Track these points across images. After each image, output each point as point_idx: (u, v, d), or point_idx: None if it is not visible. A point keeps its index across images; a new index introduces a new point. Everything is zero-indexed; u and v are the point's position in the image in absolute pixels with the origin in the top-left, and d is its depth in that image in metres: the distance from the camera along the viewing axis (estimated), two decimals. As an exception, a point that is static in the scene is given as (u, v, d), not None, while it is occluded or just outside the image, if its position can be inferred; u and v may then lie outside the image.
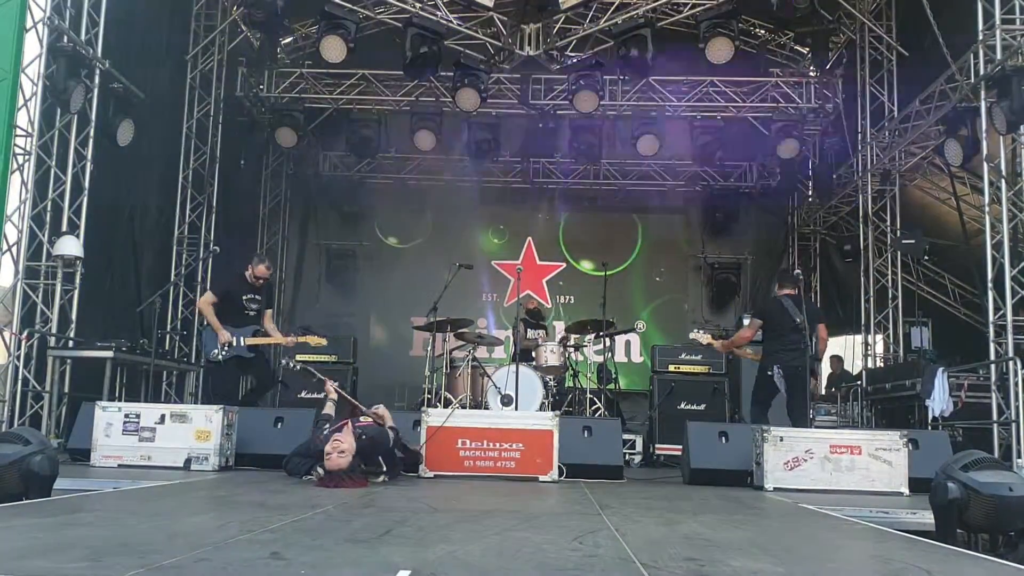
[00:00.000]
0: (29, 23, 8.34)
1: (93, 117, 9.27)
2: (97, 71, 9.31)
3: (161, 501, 4.94)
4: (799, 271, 9.88)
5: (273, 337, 8.71)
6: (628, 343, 14.72)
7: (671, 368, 10.30)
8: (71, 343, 8.92)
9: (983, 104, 9.00)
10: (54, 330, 8.77)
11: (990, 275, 8.89)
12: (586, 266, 15.01)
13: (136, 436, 6.92)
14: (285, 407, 9.02)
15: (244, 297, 8.48)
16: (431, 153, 13.89)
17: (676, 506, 5.45)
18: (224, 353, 8.26)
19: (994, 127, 8.80)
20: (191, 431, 6.89)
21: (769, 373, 8.10)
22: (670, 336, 14.55)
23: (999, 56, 8.79)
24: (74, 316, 8.98)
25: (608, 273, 10.36)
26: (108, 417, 6.95)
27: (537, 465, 6.79)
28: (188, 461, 6.82)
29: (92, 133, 9.27)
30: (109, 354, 8.81)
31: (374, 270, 15.13)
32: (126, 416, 6.95)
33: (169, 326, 11.76)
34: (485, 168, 14.75)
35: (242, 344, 8.33)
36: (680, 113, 13.30)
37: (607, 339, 10.72)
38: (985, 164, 9.14)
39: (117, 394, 9.34)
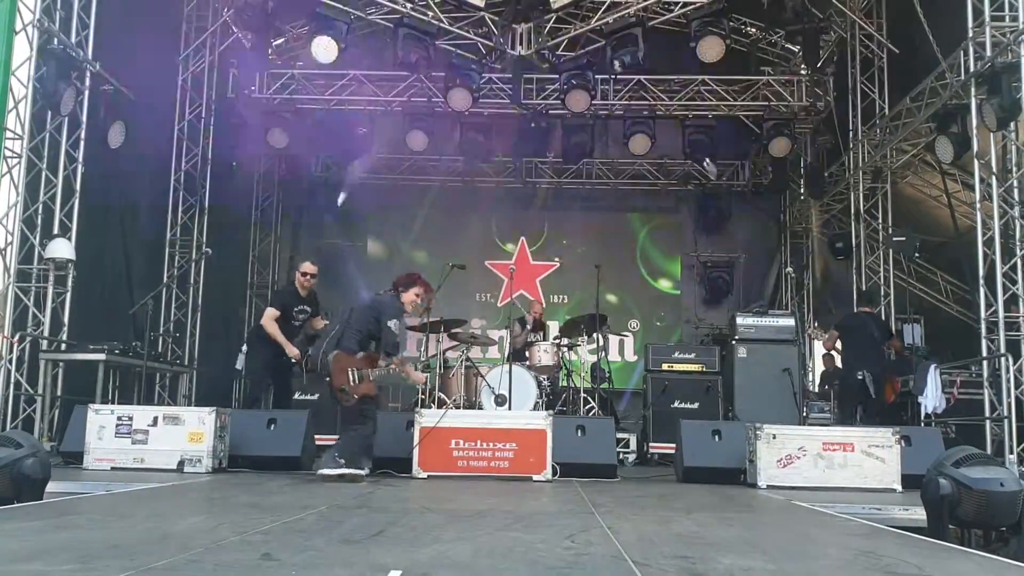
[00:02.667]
0: (19, 25, 8.29)
1: (84, 119, 9.24)
2: (88, 73, 9.27)
3: (153, 503, 4.94)
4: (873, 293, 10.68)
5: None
6: (622, 342, 14.71)
7: (664, 367, 10.31)
8: (63, 346, 8.89)
9: (973, 101, 9.01)
10: (46, 333, 8.74)
11: (982, 271, 8.91)
12: (579, 265, 14.98)
13: (129, 439, 6.92)
14: (279, 408, 9.00)
15: (295, 308, 8.65)
16: (423, 153, 13.91)
17: (669, 504, 5.46)
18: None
19: (984, 124, 8.82)
20: (184, 433, 6.90)
21: (860, 377, 9.49)
22: (663, 335, 14.58)
23: (989, 53, 8.81)
24: (66, 319, 8.94)
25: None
26: (101, 420, 6.95)
27: (531, 464, 6.81)
28: (181, 463, 6.83)
29: (83, 135, 9.24)
30: (101, 357, 8.79)
31: (366, 270, 15.09)
32: (119, 419, 6.95)
33: (162, 328, 11.72)
34: (477, 168, 14.76)
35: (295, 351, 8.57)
36: (672, 112, 13.30)
37: (600, 338, 10.72)
38: (976, 161, 9.17)
39: (110, 397, 9.31)
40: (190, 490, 5.71)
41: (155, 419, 6.97)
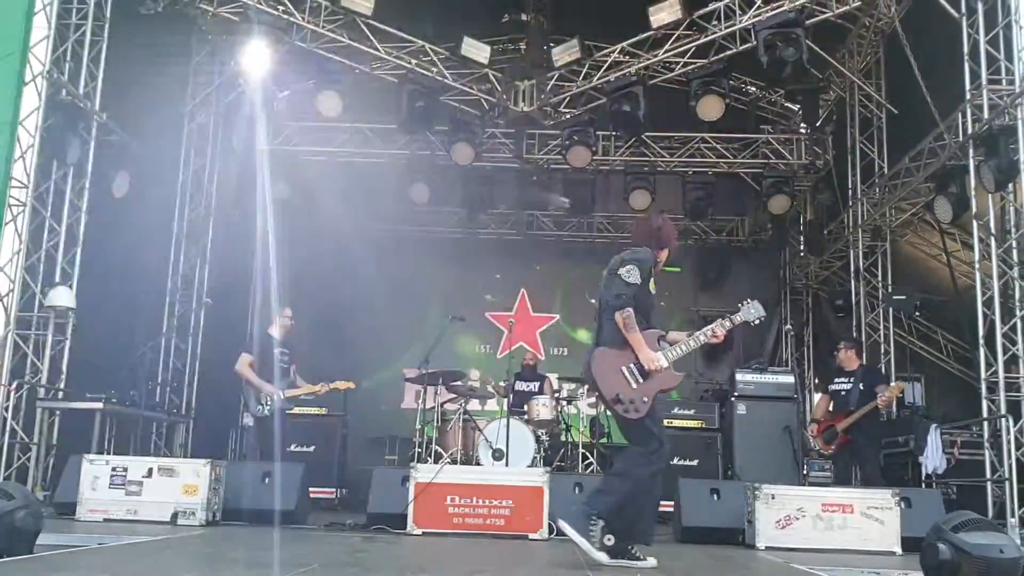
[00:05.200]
0: (28, 76, 8.44)
1: (89, 169, 9.34)
2: (95, 124, 9.40)
3: (145, 559, 4.88)
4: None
5: (305, 387, 8.85)
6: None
7: (664, 423, 10.22)
8: (60, 394, 8.87)
9: (971, 162, 9.09)
10: (44, 381, 8.72)
11: (981, 332, 8.92)
12: (579, 318, 14.96)
13: (123, 490, 6.88)
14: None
15: (276, 351, 8.65)
16: (425, 205, 14.02)
17: (667, 566, 5.39)
18: (269, 407, 8.46)
19: (982, 185, 8.89)
20: (178, 485, 6.85)
21: None
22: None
23: (986, 115, 8.91)
24: (64, 367, 8.94)
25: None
26: (95, 470, 6.91)
27: (527, 523, 6.73)
28: (175, 516, 6.77)
29: (88, 185, 9.33)
30: (99, 405, 8.75)
31: (367, 321, 15.10)
32: (113, 469, 6.92)
33: (160, 377, 11.70)
34: (479, 220, 14.85)
35: (282, 397, 8.52)
36: (672, 168, 13.43)
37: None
38: (975, 222, 9.22)
39: (106, 446, 9.26)
40: (183, 544, 5.65)
41: (150, 470, 6.93)
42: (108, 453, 8.82)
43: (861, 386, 8.78)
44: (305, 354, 9.42)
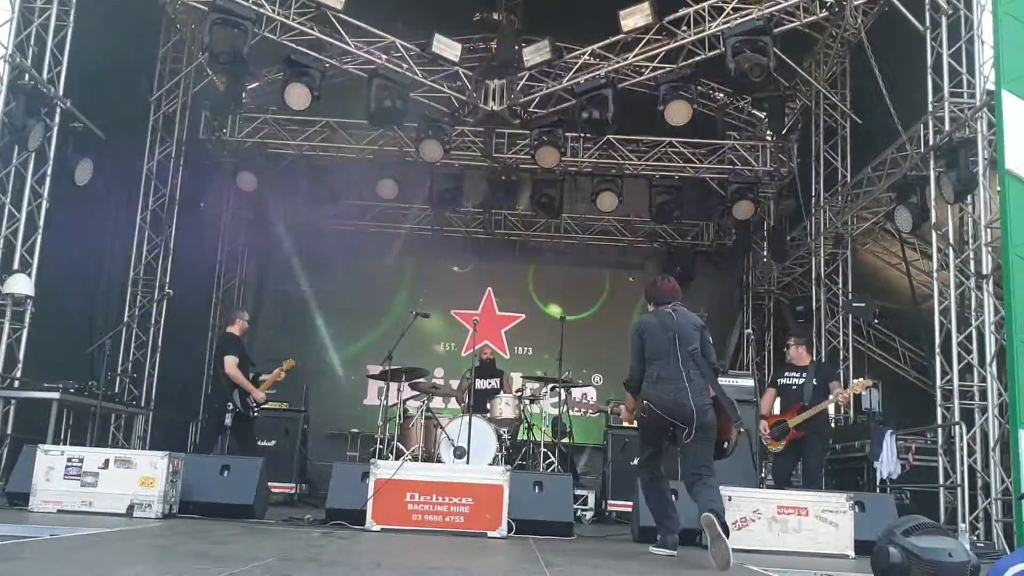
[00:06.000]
0: (-10, 60, 8.31)
1: (51, 155, 9.20)
2: (58, 109, 9.26)
3: (99, 550, 4.83)
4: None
5: (269, 378, 9.28)
6: (585, 395, 14.71)
7: (625, 423, 10.30)
8: (16, 383, 8.73)
9: (932, 173, 9.25)
10: (0, 369, 8.58)
11: (938, 340, 9.08)
12: (544, 317, 15.00)
13: (78, 481, 6.78)
14: (233, 455, 8.89)
15: (246, 352, 9.12)
16: (393, 201, 14.00)
17: (624, 565, 5.44)
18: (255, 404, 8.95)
19: (942, 196, 9.04)
20: (135, 477, 6.77)
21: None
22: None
23: (947, 127, 9.07)
24: (21, 356, 8.80)
25: (571, 318, 10.45)
26: (50, 461, 6.81)
27: (486, 520, 6.74)
28: (131, 508, 6.69)
29: (49, 171, 9.19)
30: (55, 395, 8.61)
31: (330, 317, 15.05)
32: (68, 460, 6.82)
33: (120, 368, 11.55)
34: (446, 218, 14.85)
35: (264, 400, 9.10)
36: (639, 172, 13.53)
37: (563, 391, 10.72)
38: (934, 232, 9.38)
39: (63, 437, 9.13)
40: (138, 536, 5.59)
41: (106, 462, 6.84)
42: (64, 444, 8.70)
43: (815, 381, 8.63)
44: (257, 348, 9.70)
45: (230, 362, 8.82)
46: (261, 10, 10.59)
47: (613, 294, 15.58)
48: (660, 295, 6.36)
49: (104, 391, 9.26)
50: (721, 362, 12.54)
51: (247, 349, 9.26)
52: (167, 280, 12.27)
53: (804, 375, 8.74)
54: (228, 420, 8.68)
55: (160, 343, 12.25)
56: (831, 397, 8.59)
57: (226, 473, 7.41)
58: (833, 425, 12.53)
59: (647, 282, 6.65)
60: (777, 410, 9.06)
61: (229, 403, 8.75)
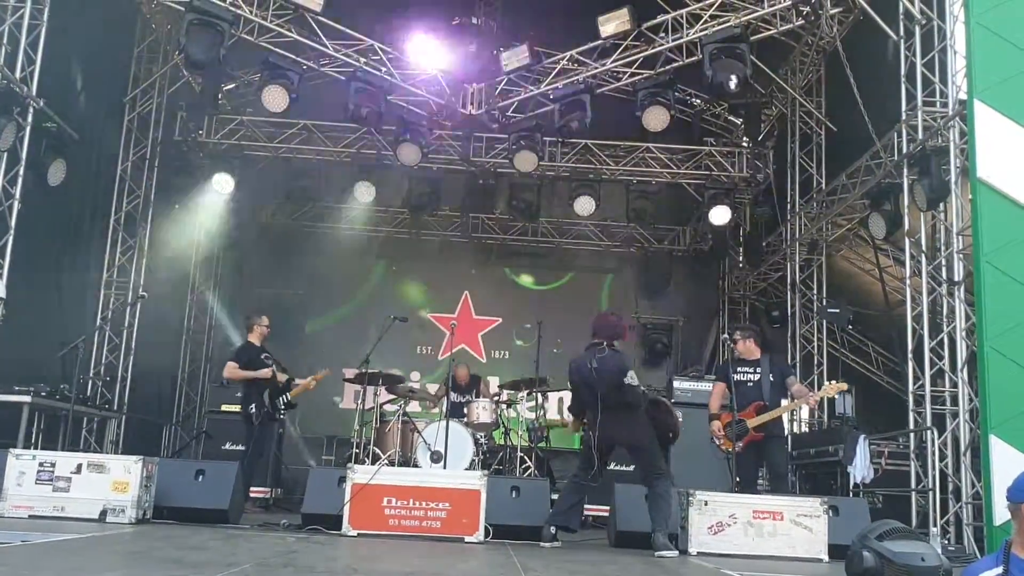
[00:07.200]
0: (-38, 59, 8.20)
1: (24, 155, 9.08)
2: (31, 109, 9.15)
3: (71, 556, 4.78)
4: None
5: (301, 384, 9.38)
6: (561, 400, 14.72)
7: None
8: (-15, 386, 8.62)
9: (905, 181, 9.34)
10: (-31, 372, 8.48)
11: (910, 346, 9.18)
12: (521, 321, 15.00)
13: (50, 486, 6.70)
14: (208, 459, 8.82)
15: (262, 356, 8.95)
16: (370, 204, 13.96)
17: (601, 570, 5.46)
18: (283, 407, 9.07)
19: (915, 204, 9.14)
20: (108, 481, 6.70)
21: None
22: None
23: (920, 136, 9.17)
24: (-8, 358, 8.69)
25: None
26: (21, 465, 6.73)
27: (463, 525, 6.74)
28: (104, 513, 6.62)
29: (22, 172, 9.08)
30: (27, 399, 8.52)
31: (307, 319, 14.96)
32: (40, 465, 6.74)
33: (92, 371, 11.43)
34: (424, 221, 14.81)
35: (287, 399, 9.10)
36: (617, 176, 13.58)
37: (540, 396, 10.73)
38: (907, 239, 9.48)
39: (34, 441, 9.02)
40: (111, 542, 5.54)
41: (79, 466, 6.76)
42: (36, 448, 8.59)
43: (771, 377, 7.94)
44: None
45: (227, 367, 8.93)
46: (239, 11, 10.52)
47: (590, 297, 15.60)
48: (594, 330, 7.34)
49: (76, 394, 9.16)
50: (698, 367, 12.74)
51: (272, 354, 9.13)
52: (141, 282, 12.14)
53: (758, 370, 8.02)
54: (255, 419, 8.66)
55: (134, 346, 12.11)
56: (797, 399, 8.18)
57: (201, 477, 7.36)
58: (807, 430, 12.67)
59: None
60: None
61: (252, 404, 8.73)
